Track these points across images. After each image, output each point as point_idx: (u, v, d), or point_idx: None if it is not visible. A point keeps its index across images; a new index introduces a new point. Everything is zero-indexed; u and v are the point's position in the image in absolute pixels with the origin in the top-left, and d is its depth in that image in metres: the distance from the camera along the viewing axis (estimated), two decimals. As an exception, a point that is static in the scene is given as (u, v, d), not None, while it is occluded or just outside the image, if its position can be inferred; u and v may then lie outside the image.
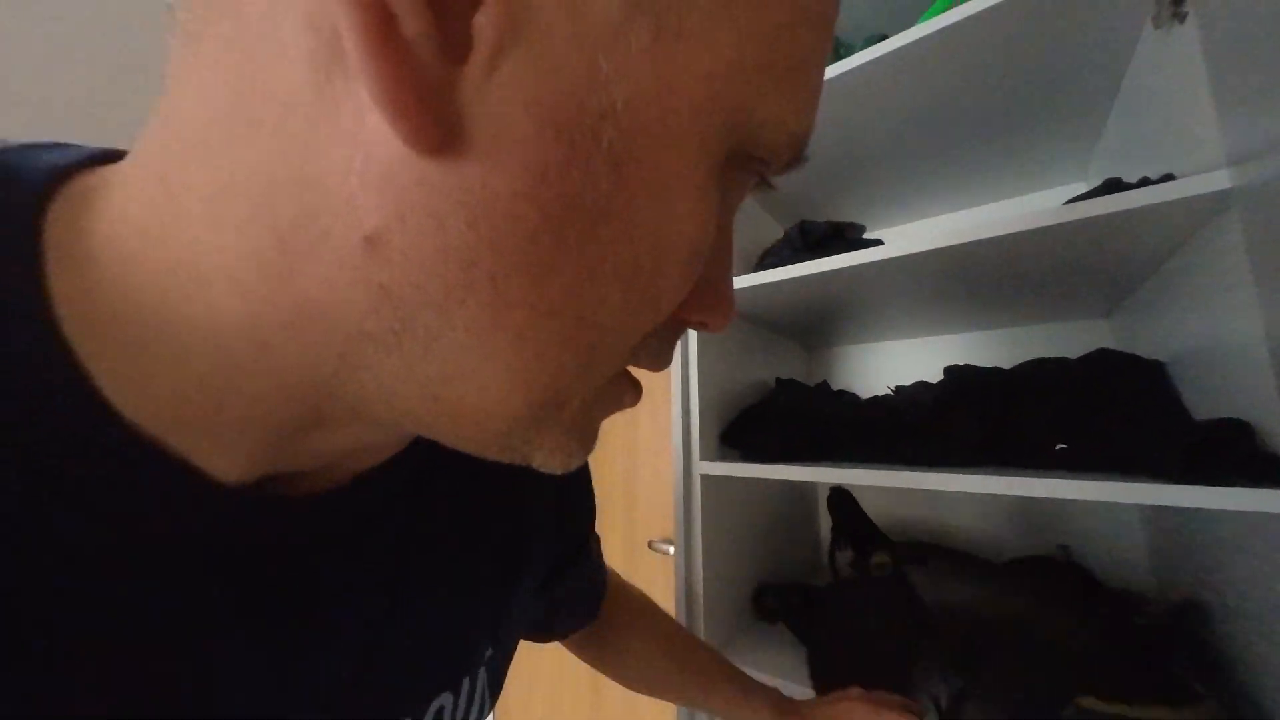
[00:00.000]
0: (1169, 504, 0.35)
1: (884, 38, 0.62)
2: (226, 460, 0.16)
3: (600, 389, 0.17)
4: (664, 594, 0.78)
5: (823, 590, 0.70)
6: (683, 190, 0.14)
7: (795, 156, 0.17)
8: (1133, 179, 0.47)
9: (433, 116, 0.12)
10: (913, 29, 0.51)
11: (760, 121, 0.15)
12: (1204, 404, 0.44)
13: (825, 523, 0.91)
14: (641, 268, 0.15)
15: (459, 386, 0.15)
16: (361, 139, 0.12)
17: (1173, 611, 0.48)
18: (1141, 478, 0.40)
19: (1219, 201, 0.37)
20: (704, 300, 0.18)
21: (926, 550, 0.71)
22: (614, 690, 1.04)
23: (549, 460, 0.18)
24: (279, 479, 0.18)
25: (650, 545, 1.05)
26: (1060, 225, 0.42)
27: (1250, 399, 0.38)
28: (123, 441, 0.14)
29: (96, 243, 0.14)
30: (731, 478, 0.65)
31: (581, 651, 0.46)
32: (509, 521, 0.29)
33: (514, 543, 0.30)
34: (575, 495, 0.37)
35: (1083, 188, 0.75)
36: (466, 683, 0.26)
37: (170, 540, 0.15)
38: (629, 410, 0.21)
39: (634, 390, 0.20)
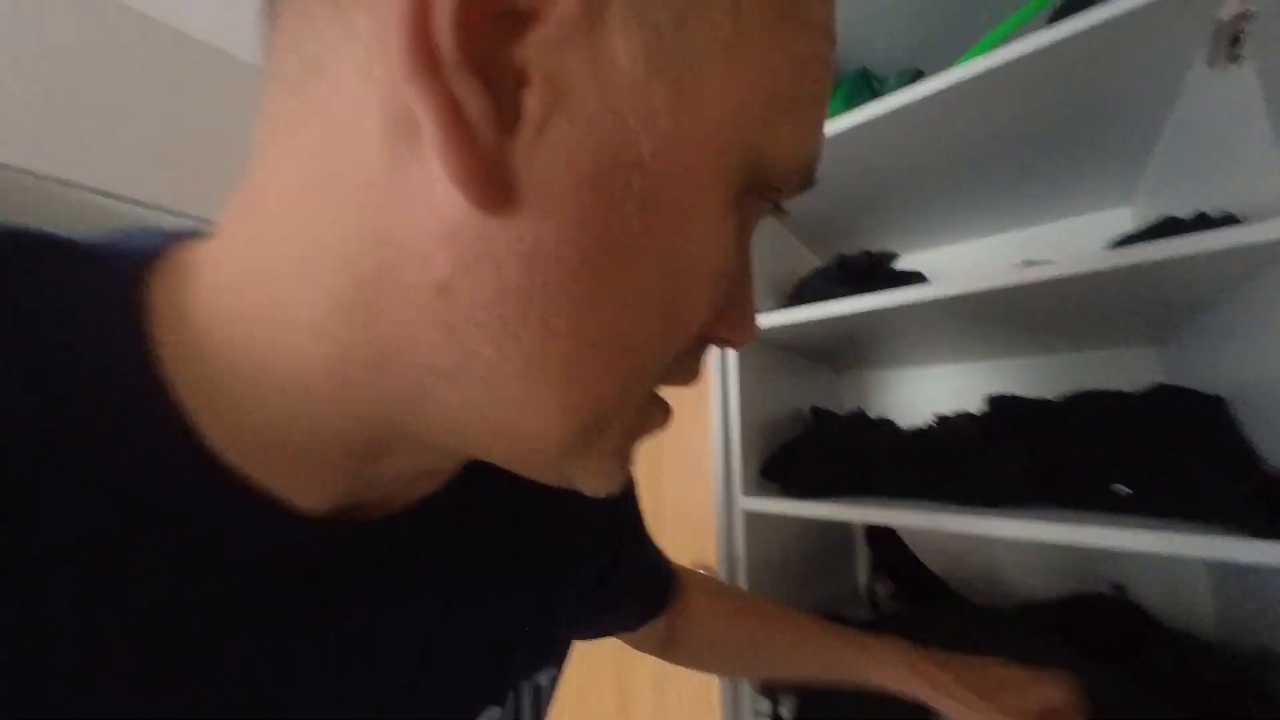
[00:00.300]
0: (1244, 560, 0.34)
1: (919, 73, 0.63)
2: (307, 490, 0.18)
3: (638, 410, 0.19)
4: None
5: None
6: (704, 223, 0.16)
7: (804, 182, 0.19)
8: (1180, 209, 0.46)
9: (493, 181, 0.14)
10: (952, 70, 0.51)
11: (770, 156, 0.17)
12: (1268, 443, 0.43)
13: (864, 550, 0.89)
14: (671, 295, 0.16)
15: (514, 413, 0.16)
16: (432, 203, 0.14)
17: (1245, 663, 0.45)
18: (1210, 527, 0.38)
19: (1288, 247, 0.36)
20: (728, 319, 0.20)
21: (951, 605, 0.69)
22: (642, 708, 1.03)
23: (593, 482, 0.19)
24: (351, 509, 0.20)
25: (681, 571, 1.04)
26: (1120, 269, 0.41)
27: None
28: (221, 483, 0.16)
29: (195, 306, 0.16)
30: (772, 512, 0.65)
31: (671, 654, 0.45)
32: (550, 540, 0.31)
33: (556, 560, 0.31)
34: (608, 507, 0.37)
35: (1126, 214, 0.74)
36: (511, 697, 0.27)
37: (250, 566, 0.18)
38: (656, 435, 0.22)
39: (664, 411, 0.22)
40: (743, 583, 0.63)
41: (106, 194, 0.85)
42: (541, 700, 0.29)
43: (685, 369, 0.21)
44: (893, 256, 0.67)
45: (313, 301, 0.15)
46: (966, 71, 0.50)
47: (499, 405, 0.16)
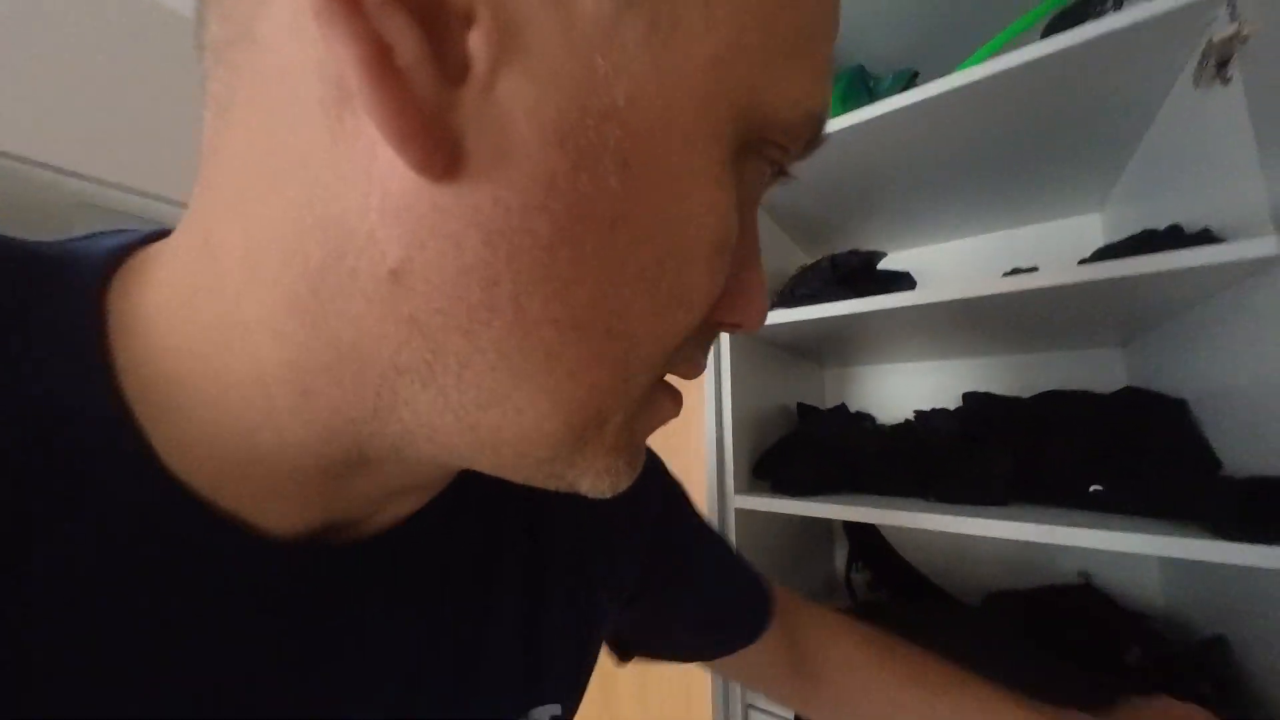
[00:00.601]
0: (1222, 560, 0.36)
1: (915, 74, 0.63)
2: (278, 512, 0.16)
3: (640, 402, 0.17)
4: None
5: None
6: (697, 184, 0.14)
7: (811, 136, 0.16)
8: (1149, 219, 0.48)
9: (436, 140, 0.11)
10: (945, 78, 0.52)
11: (770, 102, 0.14)
12: (1228, 446, 0.46)
13: (842, 539, 0.92)
14: (665, 269, 0.14)
15: (495, 413, 0.14)
16: (376, 175, 0.12)
17: (1197, 648, 0.49)
18: (1175, 526, 0.41)
19: (1267, 265, 0.38)
20: (735, 300, 0.17)
21: (928, 595, 0.71)
22: (625, 703, 1.04)
23: (597, 484, 0.17)
24: (331, 529, 0.18)
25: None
26: (1102, 281, 0.43)
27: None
28: (180, 509, 0.15)
29: (149, 310, 0.15)
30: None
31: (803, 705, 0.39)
32: (549, 561, 0.28)
33: (551, 585, 0.28)
34: (633, 513, 0.33)
35: (1097, 219, 0.77)
36: None
37: (213, 596, 0.16)
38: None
39: (674, 400, 0.19)
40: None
41: (105, 183, 0.77)
42: None
43: (691, 359, 0.19)
44: (880, 255, 0.68)
45: (261, 299, 0.13)
46: (960, 79, 0.51)
47: (478, 405, 0.14)
